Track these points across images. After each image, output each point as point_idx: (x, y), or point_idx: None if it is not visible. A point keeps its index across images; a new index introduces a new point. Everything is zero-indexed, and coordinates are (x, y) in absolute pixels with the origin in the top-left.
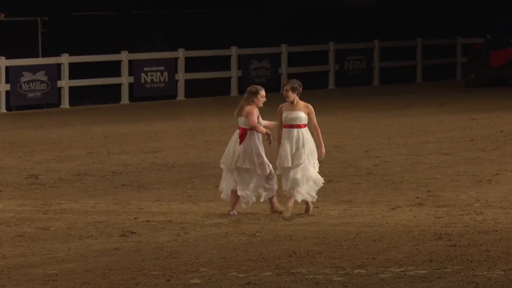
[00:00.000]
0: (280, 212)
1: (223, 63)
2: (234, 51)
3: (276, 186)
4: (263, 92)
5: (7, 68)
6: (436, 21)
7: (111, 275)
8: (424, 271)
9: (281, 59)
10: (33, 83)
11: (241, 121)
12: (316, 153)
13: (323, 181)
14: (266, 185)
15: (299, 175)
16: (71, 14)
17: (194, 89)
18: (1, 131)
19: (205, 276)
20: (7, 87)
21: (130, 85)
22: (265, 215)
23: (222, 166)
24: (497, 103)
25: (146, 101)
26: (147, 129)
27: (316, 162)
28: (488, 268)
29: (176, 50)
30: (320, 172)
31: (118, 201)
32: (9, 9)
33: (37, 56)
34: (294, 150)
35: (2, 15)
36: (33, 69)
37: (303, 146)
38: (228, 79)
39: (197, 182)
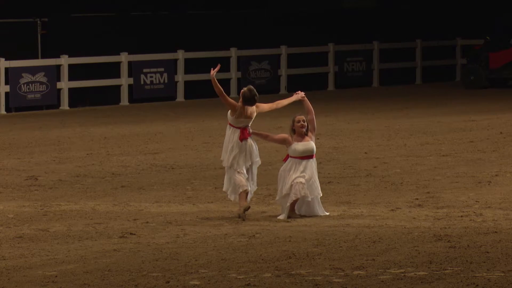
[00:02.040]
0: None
1: (223, 64)
2: (233, 53)
3: None
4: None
5: (6, 69)
6: (435, 23)
7: (111, 276)
8: (423, 273)
9: (280, 61)
10: (33, 85)
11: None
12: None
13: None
14: None
15: None
16: (70, 16)
17: (194, 91)
18: (1, 133)
19: (204, 277)
20: (7, 88)
21: (130, 86)
22: (265, 216)
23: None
24: (497, 104)
25: (145, 103)
26: (147, 131)
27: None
28: (488, 270)
29: (176, 52)
30: (319, 173)
31: (117, 203)
32: (8, 10)
33: (36, 57)
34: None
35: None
36: (33, 70)
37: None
38: (228, 80)
39: (197, 183)
